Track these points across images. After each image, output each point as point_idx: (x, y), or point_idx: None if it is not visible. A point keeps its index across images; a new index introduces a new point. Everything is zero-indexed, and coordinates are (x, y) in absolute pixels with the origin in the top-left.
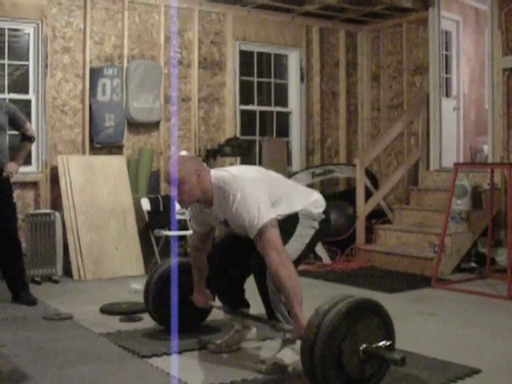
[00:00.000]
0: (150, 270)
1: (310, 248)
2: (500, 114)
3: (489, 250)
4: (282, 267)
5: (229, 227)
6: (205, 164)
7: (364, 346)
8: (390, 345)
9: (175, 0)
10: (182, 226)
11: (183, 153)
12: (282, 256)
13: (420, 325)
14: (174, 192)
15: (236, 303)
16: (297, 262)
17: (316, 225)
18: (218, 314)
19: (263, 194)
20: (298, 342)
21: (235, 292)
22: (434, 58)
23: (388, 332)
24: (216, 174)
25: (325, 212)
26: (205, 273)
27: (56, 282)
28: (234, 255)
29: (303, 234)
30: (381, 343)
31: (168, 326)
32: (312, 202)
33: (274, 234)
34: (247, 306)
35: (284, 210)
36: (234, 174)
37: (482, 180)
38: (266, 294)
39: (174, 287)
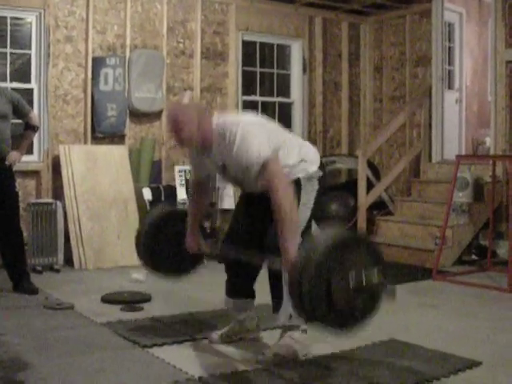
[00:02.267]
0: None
1: (314, 209)
2: (502, 107)
3: (490, 243)
4: (286, 200)
5: (226, 174)
6: (207, 110)
7: (354, 278)
8: (379, 274)
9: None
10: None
11: (186, 98)
12: (286, 188)
13: (420, 317)
14: (174, 137)
15: (244, 292)
16: (307, 228)
17: (316, 185)
18: (214, 305)
19: (262, 135)
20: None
21: (247, 283)
22: (436, 50)
23: (377, 262)
24: (217, 119)
25: (320, 167)
26: (199, 218)
27: (57, 271)
28: (247, 247)
29: (308, 201)
30: (370, 272)
31: (161, 271)
32: (308, 157)
33: (278, 166)
34: (253, 296)
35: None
36: (233, 119)
37: (484, 172)
38: (278, 290)
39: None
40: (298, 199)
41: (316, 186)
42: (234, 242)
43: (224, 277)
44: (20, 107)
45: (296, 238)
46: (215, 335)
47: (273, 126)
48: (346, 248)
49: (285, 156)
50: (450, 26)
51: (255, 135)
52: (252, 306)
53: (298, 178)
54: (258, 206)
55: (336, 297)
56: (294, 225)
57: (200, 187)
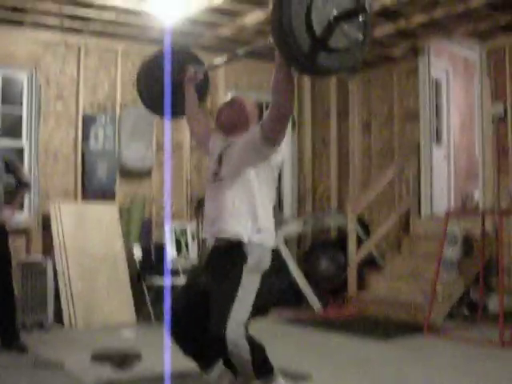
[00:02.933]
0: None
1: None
2: (490, 161)
3: (480, 297)
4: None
5: (223, 149)
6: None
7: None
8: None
9: (168, 48)
10: (174, 274)
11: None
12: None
13: (412, 373)
14: (221, 113)
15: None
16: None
17: (258, 277)
18: None
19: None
20: None
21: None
22: (424, 106)
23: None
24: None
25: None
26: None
27: (47, 329)
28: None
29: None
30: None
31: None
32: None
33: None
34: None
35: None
36: None
37: (474, 227)
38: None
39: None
40: (243, 262)
41: (265, 260)
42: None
43: None
44: (11, 165)
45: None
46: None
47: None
48: None
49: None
50: (437, 82)
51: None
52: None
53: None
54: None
55: (315, 21)
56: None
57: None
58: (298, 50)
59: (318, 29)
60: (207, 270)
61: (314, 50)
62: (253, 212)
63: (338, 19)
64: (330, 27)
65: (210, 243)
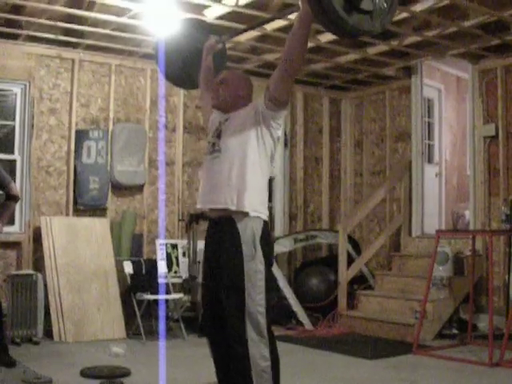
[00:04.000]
0: None
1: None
2: (481, 181)
3: (470, 316)
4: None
5: (221, 122)
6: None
7: None
8: None
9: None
10: (165, 289)
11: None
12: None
13: None
14: (214, 90)
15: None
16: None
17: (262, 267)
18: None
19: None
20: None
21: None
22: (416, 125)
23: None
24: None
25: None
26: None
27: (36, 343)
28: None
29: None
30: None
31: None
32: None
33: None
34: None
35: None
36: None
37: (464, 246)
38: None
39: None
40: (240, 253)
41: (258, 236)
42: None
43: (204, 351)
44: (0, 178)
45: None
46: None
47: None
48: None
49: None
50: (430, 101)
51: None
52: None
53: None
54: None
55: None
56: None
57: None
58: (331, 7)
59: None
60: (212, 252)
61: (347, 9)
62: (247, 184)
63: None
64: None
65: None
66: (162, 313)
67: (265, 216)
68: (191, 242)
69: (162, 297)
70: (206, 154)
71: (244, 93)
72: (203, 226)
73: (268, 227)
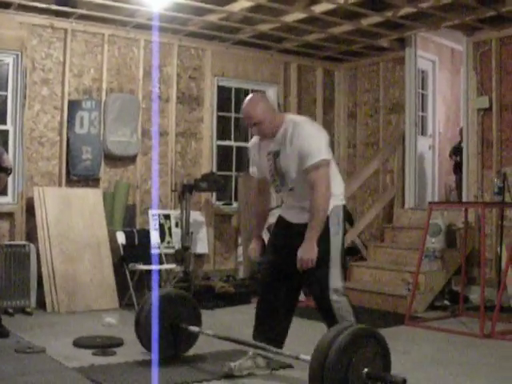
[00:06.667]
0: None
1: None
2: (474, 154)
3: (462, 288)
4: (324, 200)
5: (276, 160)
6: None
7: (366, 369)
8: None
9: (155, 35)
10: (158, 260)
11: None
12: (327, 192)
13: (393, 363)
14: (254, 131)
15: (271, 339)
16: (341, 256)
17: (341, 215)
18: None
19: (326, 140)
20: None
21: (277, 330)
22: (410, 97)
23: (385, 355)
24: (289, 116)
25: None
26: (264, 218)
27: (29, 314)
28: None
29: (337, 231)
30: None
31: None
32: (336, 190)
33: (328, 170)
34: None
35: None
36: (305, 118)
37: (457, 218)
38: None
39: (155, 321)
40: (328, 231)
41: (341, 216)
42: (271, 286)
43: None
44: None
45: (319, 231)
46: (230, 365)
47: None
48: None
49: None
50: (424, 73)
51: (321, 135)
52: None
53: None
54: (286, 243)
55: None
56: (322, 222)
57: (263, 185)
58: None
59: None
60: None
61: None
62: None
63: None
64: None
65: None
66: (154, 283)
67: (339, 201)
68: (184, 213)
69: (154, 267)
70: (278, 189)
71: (271, 113)
72: (196, 196)
73: (342, 209)
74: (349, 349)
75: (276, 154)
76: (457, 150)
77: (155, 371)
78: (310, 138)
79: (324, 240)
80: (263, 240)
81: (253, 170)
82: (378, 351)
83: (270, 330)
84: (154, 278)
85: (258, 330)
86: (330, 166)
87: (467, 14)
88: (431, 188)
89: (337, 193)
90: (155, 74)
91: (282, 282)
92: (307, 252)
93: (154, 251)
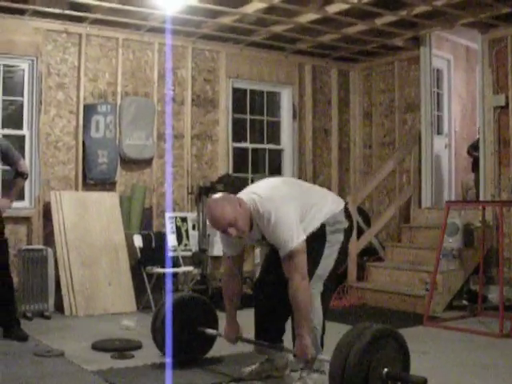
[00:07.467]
0: (159, 303)
1: (340, 260)
2: (491, 152)
3: (480, 288)
4: (301, 291)
5: (265, 241)
6: (232, 195)
7: (386, 369)
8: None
9: (169, 38)
10: (175, 263)
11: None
12: (304, 281)
13: (412, 363)
14: (231, 232)
15: (273, 339)
16: (330, 278)
17: (341, 237)
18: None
19: (295, 212)
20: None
21: (276, 328)
22: (425, 96)
23: (405, 355)
24: (248, 199)
25: (346, 216)
26: (236, 302)
27: (47, 317)
28: (279, 292)
29: (331, 253)
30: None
31: (171, 356)
32: (335, 216)
33: (302, 260)
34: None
35: (312, 222)
36: (264, 197)
37: (474, 217)
38: None
39: (169, 325)
40: (322, 251)
41: (340, 238)
42: (264, 289)
43: None
44: (8, 155)
45: (309, 325)
46: (246, 370)
47: (302, 186)
48: (381, 344)
49: (318, 213)
50: (439, 72)
51: (288, 218)
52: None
53: (325, 231)
54: None
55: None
56: (308, 313)
57: (235, 266)
58: None
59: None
60: None
61: None
62: (322, 210)
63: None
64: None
65: None
66: (171, 286)
67: (335, 209)
68: (201, 215)
69: (171, 270)
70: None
71: (238, 207)
72: None
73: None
74: (369, 349)
75: (263, 238)
76: (477, 147)
77: (169, 375)
78: (277, 229)
79: (318, 246)
80: (237, 323)
81: (226, 249)
82: (398, 351)
83: (271, 330)
84: (169, 282)
85: (261, 335)
86: (318, 204)
87: (482, 11)
88: (448, 187)
89: (335, 215)
90: (169, 76)
91: (277, 285)
92: (301, 351)
93: (171, 254)
